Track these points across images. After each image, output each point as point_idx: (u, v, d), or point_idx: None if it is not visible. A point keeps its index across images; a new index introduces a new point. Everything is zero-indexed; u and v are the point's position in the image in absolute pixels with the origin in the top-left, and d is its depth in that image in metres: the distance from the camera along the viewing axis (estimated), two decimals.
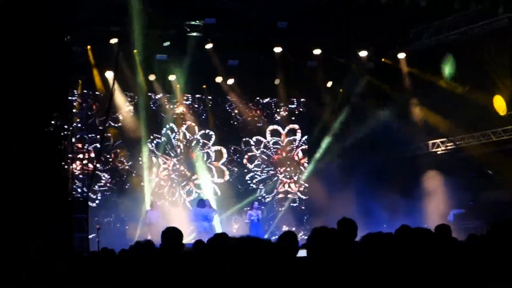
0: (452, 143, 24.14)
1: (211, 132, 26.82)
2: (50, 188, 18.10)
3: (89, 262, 7.74)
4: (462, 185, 22.10)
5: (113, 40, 22.02)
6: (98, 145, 23.32)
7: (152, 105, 25.54)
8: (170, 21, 22.38)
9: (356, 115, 26.13)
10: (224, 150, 27.17)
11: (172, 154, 26.05)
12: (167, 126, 25.87)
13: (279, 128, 28.58)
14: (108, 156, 24.54)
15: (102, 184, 24.38)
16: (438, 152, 24.67)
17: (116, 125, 24.79)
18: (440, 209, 22.38)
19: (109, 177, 24.66)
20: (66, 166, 19.50)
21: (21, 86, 16.52)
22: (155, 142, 25.64)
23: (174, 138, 26.11)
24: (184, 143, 26.27)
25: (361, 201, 23.67)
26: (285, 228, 25.64)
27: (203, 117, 26.70)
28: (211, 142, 26.85)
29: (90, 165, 22.43)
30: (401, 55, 24.68)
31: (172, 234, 7.24)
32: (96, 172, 22.82)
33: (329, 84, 26.35)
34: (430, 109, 24.44)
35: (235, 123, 27.59)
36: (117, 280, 6.99)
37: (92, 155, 23.14)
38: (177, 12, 21.54)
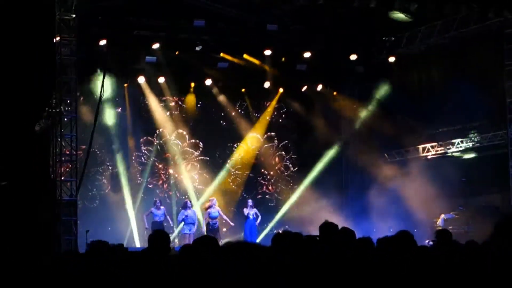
0: (442, 147, 24.05)
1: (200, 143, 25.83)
2: (39, 190, 17.95)
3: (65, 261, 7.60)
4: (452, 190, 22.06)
5: (102, 42, 21.88)
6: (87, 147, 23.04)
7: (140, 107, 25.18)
8: (159, 23, 22.31)
9: None
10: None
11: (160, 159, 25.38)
12: (159, 130, 25.35)
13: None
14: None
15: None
16: (429, 157, 24.55)
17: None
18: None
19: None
20: (55, 168, 19.27)
21: (8, 86, 16.40)
22: (147, 146, 25.17)
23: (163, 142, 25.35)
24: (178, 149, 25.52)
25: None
26: None
27: (192, 122, 25.73)
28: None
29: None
30: (391, 59, 24.56)
31: (158, 237, 7.18)
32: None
33: (319, 87, 26.26)
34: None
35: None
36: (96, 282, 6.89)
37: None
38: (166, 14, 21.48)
